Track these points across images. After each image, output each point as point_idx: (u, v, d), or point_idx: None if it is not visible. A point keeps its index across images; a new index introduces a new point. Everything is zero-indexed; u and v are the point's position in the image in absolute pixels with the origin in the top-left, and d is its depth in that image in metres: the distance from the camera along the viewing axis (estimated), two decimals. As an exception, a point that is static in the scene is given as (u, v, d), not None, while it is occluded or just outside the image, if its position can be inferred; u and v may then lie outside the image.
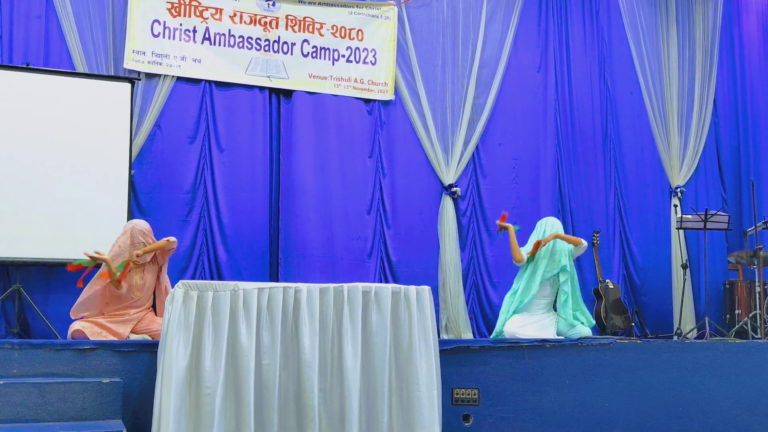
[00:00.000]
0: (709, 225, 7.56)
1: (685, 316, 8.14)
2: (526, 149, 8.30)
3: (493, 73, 8.24)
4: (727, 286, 8.04)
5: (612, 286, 7.86)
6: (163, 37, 7.18)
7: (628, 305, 8.20)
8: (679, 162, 8.73)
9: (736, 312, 7.66)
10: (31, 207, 6.29)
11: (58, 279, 6.48)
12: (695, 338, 7.50)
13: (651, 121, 8.69)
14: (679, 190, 8.65)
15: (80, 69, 6.78)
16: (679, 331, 7.80)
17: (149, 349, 4.58)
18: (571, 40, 8.60)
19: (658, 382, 5.57)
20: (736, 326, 7.34)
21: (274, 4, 7.60)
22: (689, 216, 7.74)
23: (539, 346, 5.44)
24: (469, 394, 5.20)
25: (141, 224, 5.44)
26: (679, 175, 8.70)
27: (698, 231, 7.92)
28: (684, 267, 8.05)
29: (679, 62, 8.90)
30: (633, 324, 7.69)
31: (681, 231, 8.25)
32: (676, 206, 8.47)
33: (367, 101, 7.88)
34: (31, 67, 6.56)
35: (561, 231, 6.24)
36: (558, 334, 5.86)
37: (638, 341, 5.83)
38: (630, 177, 8.62)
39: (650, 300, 8.48)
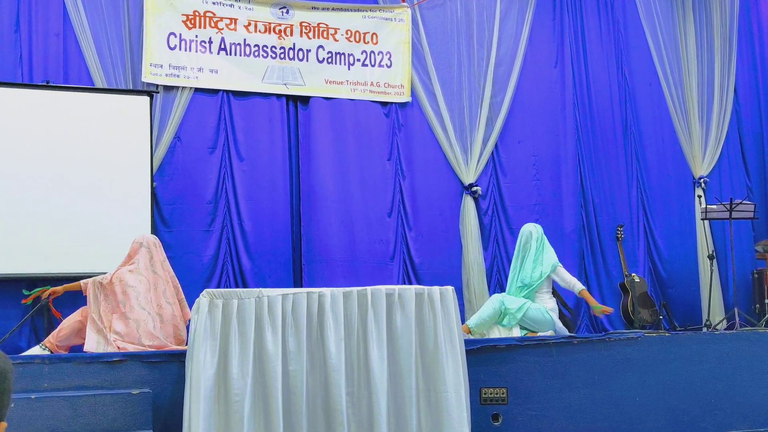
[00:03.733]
0: (734, 214, 7.49)
1: (713, 308, 8.06)
2: (545, 145, 8.26)
3: (510, 71, 8.22)
4: (756, 276, 7.95)
5: (638, 280, 7.81)
6: (180, 49, 7.23)
7: (655, 298, 8.14)
8: (702, 152, 8.65)
9: (766, 301, 7.57)
10: (56, 223, 6.36)
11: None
12: (725, 329, 7.42)
13: (671, 112, 8.62)
14: (702, 180, 8.56)
15: (99, 84, 6.85)
16: (708, 323, 7.73)
17: (177, 358, 4.61)
18: (587, 33, 8.56)
19: (688, 374, 5.51)
20: (767, 315, 7.25)
21: (288, 12, 7.64)
22: (714, 206, 7.66)
23: (567, 342, 5.40)
24: (497, 394, 5.17)
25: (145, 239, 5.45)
26: (702, 165, 8.62)
27: (724, 221, 7.84)
28: (710, 258, 7.97)
29: (698, 51, 8.82)
30: (661, 317, 7.63)
31: (706, 222, 8.17)
32: (700, 197, 8.39)
33: (384, 104, 7.89)
34: (51, 84, 6.64)
35: (540, 236, 6.24)
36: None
37: (667, 334, 5.77)
38: (652, 169, 8.55)
39: (677, 292, 8.41)
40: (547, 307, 6.06)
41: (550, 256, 6.20)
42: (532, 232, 6.27)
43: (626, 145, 8.52)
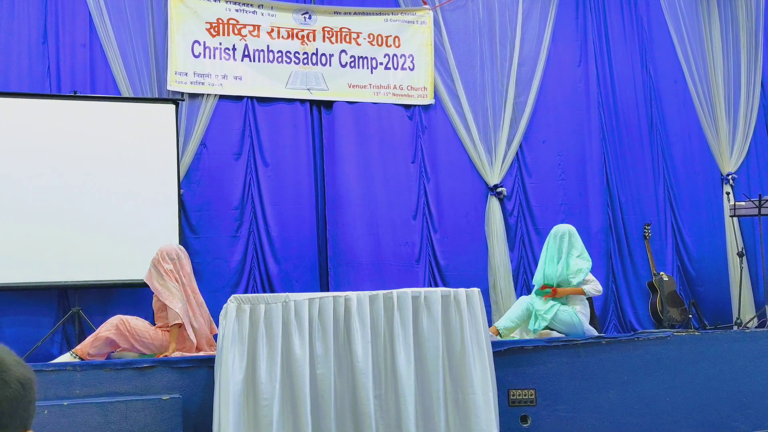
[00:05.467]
0: (763, 211, 7.39)
1: (744, 305, 7.96)
2: (570, 145, 8.22)
3: (533, 71, 8.19)
4: (787, 272, 7.84)
5: (666, 279, 7.75)
6: (204, 57, 7.30)
7: (684, 297, 8.06)
8: (729, 148, 8.56)
9: (797, 298, 7.47)
10: (85, 231, 6.44)
11: (115, 300, 6.64)
12: (756, 327, 7.33)
13: (697, 109, 8.53)
14: (730, 176, 8.46)
15: (125, 93, 6.93)
16: (738, 321, 7.64)
17: (206, 364, 4.66)
18: (611, 31, 8.50)
19: (719, 373, 5.46)
20: (798, 313, 7.16)
21: (310, 17, 7.68)
22: (742, 203, 7.57)
23: (595, 343, 5.38)
24: (525, 395, 5.16)
25: (167, 250, 5.53)
26: (729, 162, 8.52)
27: (753, 217, 7.75)
28: (740, 255, 7.88)
29: (723, 45, 8.71)
30: (690, 316, 7.56)
31: (735, 219, 8.08)
32: (728, 193, 8.30)
33: (407, 107, 7.89)
34: (79, 94, 6.73)
35: (574, 237, 6.19)
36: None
37: (696, 333, 5.72)
38: (679, 166, 8.47)
39: (707, 290, 8.31)
40: (575, 309, 6.00)
41: (582, 260, 6.12)
42: (564, 233, 6.22)
43: (652, 142, 8.45)
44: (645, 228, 8.04)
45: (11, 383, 1.33)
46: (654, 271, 7.82)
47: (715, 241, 8.41)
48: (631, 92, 8.46)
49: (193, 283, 5.50)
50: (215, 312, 5.17)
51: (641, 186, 8.33)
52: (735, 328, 7.50)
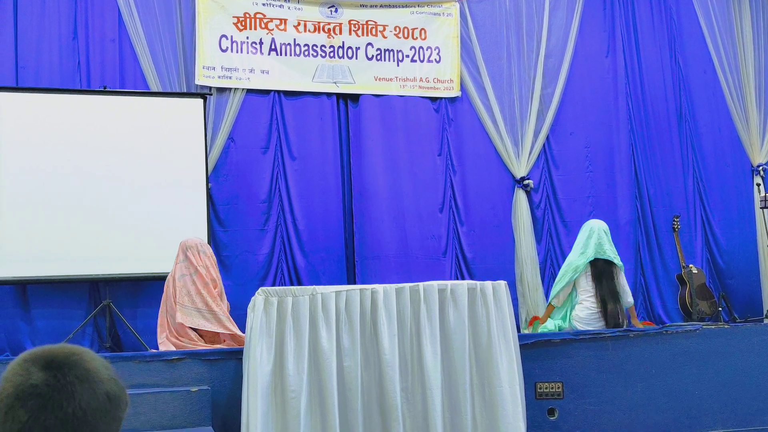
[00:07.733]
0: (795, 203, 7.30)
1: (775, 298, 7.88)
2: (598, 136, 8.15)
3: (560, 62, 8.13)
4: (819, 265, 7.74)
5: (696, 271, 7.68)
6: (231, 51, 7.34)
7: (714, 290, 7.98)
8: (760, 139, 8.44)
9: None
10: (116, 225, 6.52)
11: (145, 293, 6.71)
12: (787, 320, 7.24)
13: (727, 99, 8.42)
14: (761, 168, 8.35)
15: (154, 88, 6.99)
16: (769, 314, 7.56)
17: (235, 356, 4.71)
18: (639, 21, 8.41)
19: (749, 367, 5.41)
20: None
21: (336, 11, 7.69)
22: (774, 194, 7.48)
23: (623, 336, 5.35)
24: (552, 388, 5.15)
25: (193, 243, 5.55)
26: (760, 153, 8.40)
27: (784, 209, 7.65)
28: (771, 247, 7.80)
29: (754, 35, 8.58)
30: (720, 309, 7.48)
31: (766, 210, 7.98)
32: (759, 185, 8.20)
33: (433, 99, 7.88)
34: (108, 89, 6.80)
35: (607, 234, 6.19)
36: None
37: (726, 326, 5.67)
38: (708, 158, 8.37)
39: (737, 283, 8.22)
40: (577, 313, 6.00)
41: (573, 260, 6.18)
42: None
43: (681, 134, 8.35)
44: (674, 220, 7.97)
45: (99, 395, 1.39)
46: (683, 264, 7.75)
47: (746, 233, 8.31)
48: (659, 83, 8.37)
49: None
50: (243, 305, 5.23)
51: (670, 178, 8.24)
52: (765, 321, 7.41)
